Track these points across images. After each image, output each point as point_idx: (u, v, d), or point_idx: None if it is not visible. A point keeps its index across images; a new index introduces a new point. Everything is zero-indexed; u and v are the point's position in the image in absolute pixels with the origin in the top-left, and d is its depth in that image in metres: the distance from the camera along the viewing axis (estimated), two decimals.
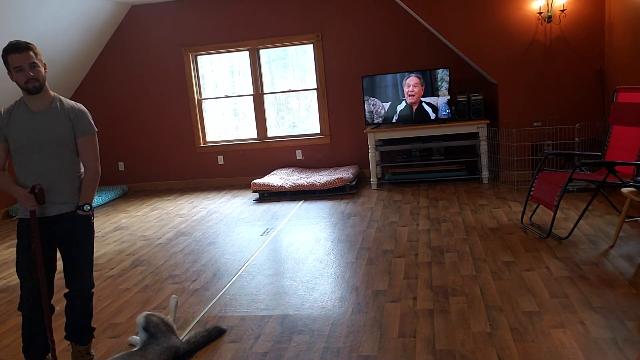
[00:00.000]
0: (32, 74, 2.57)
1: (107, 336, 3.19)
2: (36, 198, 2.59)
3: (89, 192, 2.76)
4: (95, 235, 2.90)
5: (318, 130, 7.47)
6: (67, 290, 2.83)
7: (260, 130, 7.60)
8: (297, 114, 7.59)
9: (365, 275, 3.76)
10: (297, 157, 7.51)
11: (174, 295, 3.29)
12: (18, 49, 2.55)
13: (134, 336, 3.05)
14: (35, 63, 2.58)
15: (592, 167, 4.94)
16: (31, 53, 2.57)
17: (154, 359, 2.64)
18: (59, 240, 2.75)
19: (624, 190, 3.86)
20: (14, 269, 4.10)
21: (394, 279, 3.65)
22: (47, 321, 2.68)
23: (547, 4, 5.80)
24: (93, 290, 2.89)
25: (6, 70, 2.63)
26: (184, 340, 2.88)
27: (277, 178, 6.74)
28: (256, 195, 6.72)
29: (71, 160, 2.74)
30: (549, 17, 5.82)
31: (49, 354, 2.76)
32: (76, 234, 2.74)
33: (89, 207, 2.75)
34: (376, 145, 6.54)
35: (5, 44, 2.62)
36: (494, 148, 6.38)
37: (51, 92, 2.74)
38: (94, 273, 2.90)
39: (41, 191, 2.61)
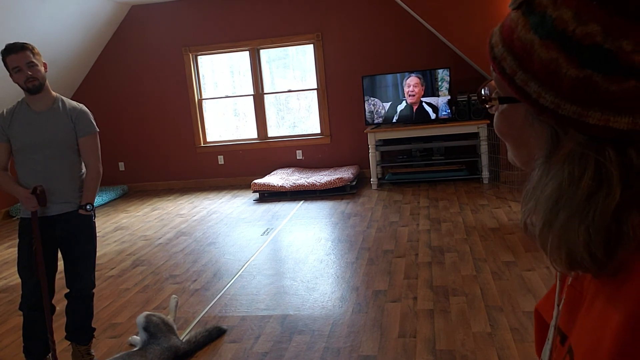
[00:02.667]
0: (30, 72, 2.58)
1: (107, 336, 3.19)
2: (37, 199, 2.60)
3: (91, 192, 2.77)
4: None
5: (318, 130, 7.47)
6: (68, 290, 2.83)
7: (261, 130, 7.60)
8: (298, 114, 7.59)
9: (366, 275, 3.76)
10: (298, 157, 7.51)
11: (174, 295, 3.30)
12: (14, 50, 2.57)
13: (134, 336, 3.05)
14: (33, 62, 2.59)
15: None
16: (28, 52, 2.58)
17: (154, 359, 2.64)
18: (60, 239, 2.75)
19: None
20: (15, 268, 4.10)
21: (394, 279, 3.65)
22: (48, 321, 2.68)
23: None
24: (94, 290, 2.89)
25: (7, 71, 2.64)
26: (184, 340, 2.89)
27: (278, 178, 6.74)
28: (256, 195, 6.73)
29: (73, 160, 2.75)
30: None
31: (50, 354, 2.76)
32: (77, 234, 2.75)
33: (90, 207, 2.76)
34: (376, 145, 6.54)
35: (5, 45, 2.63)
36: (494, 148, 6.38)
37: (53, 93, 2.75)
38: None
39: (42, 192, 2.61)
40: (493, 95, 0.64)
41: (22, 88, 2.63)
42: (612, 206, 0.51)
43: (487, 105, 0.65)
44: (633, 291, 0.51)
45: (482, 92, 0.66)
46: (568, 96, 0.52)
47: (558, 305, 0.67)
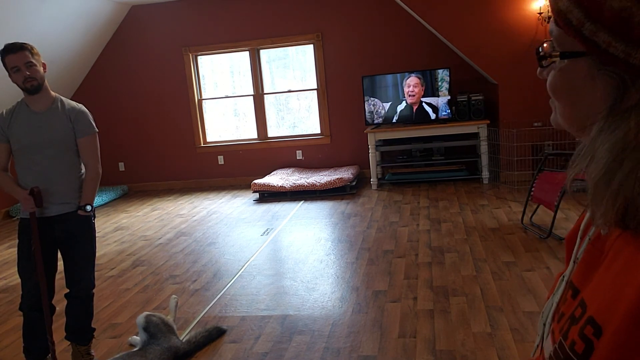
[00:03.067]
0: (28, 73, 2.58)
1: (107, 336, 3.19)
2: (34, 200, 2.60)
3: (90, 193, 2.77)
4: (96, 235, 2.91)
5: (318, 131, 7.47)
6: (68, 290, 2.83)
7: (261, 130, 7.60)
8: (298, 114, 7.59)
9: (366, 276, 3.76)
10: (298, 157, 7.51)
11: (173, 296, 3.30)
12: (13, 50, 2.57)
13: (134, 336, 3.05)
14: (32, 62, 2.59)
15: None
16: (26, 53, 2.58)
17: (154, 359, 2.64)
18: (60, 240, 2.75)
19: None
20: (15, 269, 4.10)
21: (394, 279, 3.65)
22: (48, 321, 2.68)
23: (548, 4, 5.80)
24: (93, 290, 2.89)
25: (6, 72, 2.64)
26: (184, 340, 2.88)
27: (278, 178, 6.74)
28: (256, 195, 6.72)
29: (72, 160, 2.75)
30: (550, 17, 5.82)
31: (50, 354, 2.76)
32: (77, 234, 2.75)
33: (90, 208, 2.76)
34: (376, 146, 6.54)
35: (4, 45, 2.63)
36: (494, 148, 6.38)
37: (52, 93, 2.75)
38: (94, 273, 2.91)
39: (39, 193, 2.61)
40: (551, 52, 0.63)
41: (21, 88, 2.63)
42: None
43: (544, 63, 0.65)
44: None
45: (540, 50, 0.65)
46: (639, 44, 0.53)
47: (574, 262, 0.68)
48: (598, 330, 0.55)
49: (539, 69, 0.67)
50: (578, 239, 0.69)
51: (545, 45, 0.65)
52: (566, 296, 0.67)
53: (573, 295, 0.65)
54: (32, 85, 2.61)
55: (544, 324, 0.71)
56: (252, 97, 7.54)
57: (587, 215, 0.70)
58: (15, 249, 2.78)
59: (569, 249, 0.75)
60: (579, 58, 0.59)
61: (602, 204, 0.57)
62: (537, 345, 0.73)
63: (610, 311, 0.55)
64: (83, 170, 2.82)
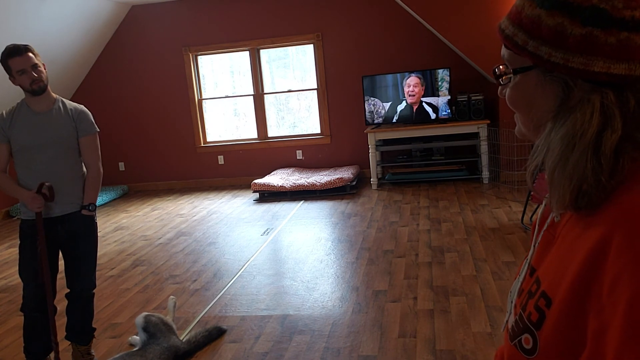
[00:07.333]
0: (35, 74, 2.59)
1: (108, 336, 3.19)
2: (45, 197, 2.59)
3: (93, 192, 2.77)
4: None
5: (318, 130, 7.47)
6: (68, 290, 2.83)
7: (261, 130, 7.60)
8: (298, 114, 7.59)
9: (366, 275, 3.76)
10: (298, 157, 7.51)
11: (172, 296, 3.30)
12: (18, 52, 2.56)
13: (134, 336, 3.05)
14: (37, 64, 2.60)
15: None
16: (30, 54, 2.59)
17: (154, 359, 2.64)
18: (62, 240, 2.75)
19: None
20: (15, 268, 4.10)
21: (394, 279, 3.65)
22: (51, 322, 2.68)
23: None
24: (94, 290, 2.89)
25: (6, 74, 2.64)
26: (184, 340, 2.89)
27: (278, 178, 6.74)
28: (256, 195, 6.73)
29: (74, 160, 2.75)
30: None
31: (50, 354, 2.76)
32: (79, 234, 2.75)
33: (93, 207, 2.76)
34: (376, 145, 6.54)
35: (5, 45, 2.63)
36: (494, 148, 6.38)
37: (53, 94, 2.76)
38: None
39: (50, 189, 2.61)
40: (505, 71, 0.75)
41: (26, 90, 2.63)
42: (616, 140, 0.62)
43: (501, 81, 0.77)
44: (607, 218, 0.62)
45: (496, 70, 0.77)
46: (575, 50, 0.64)
47: (534, 246, 0.80)
48: (549, 302, 0.67)
49: (499, 88, 0.79)
50: (537, 226, 0.81)
51: (500, 67, 0.76)
52: (526, 275, 0.79)
53: (531, 274, 0.77)
54: (39, 86, 2.62)
55: (512, 302, 0.81)
56: (252, 97, 7.54)
57: (544, 205, 0.82)
58: (15, 248, 2.78)
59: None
60: (529, 71, 0.70)
61: (560, 187, 0.66)
62: (506, 321, 0.83)
63: (558, 285, 0.66)
64: (84, 169, 2.82)
